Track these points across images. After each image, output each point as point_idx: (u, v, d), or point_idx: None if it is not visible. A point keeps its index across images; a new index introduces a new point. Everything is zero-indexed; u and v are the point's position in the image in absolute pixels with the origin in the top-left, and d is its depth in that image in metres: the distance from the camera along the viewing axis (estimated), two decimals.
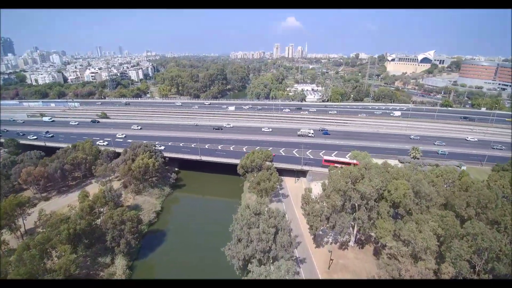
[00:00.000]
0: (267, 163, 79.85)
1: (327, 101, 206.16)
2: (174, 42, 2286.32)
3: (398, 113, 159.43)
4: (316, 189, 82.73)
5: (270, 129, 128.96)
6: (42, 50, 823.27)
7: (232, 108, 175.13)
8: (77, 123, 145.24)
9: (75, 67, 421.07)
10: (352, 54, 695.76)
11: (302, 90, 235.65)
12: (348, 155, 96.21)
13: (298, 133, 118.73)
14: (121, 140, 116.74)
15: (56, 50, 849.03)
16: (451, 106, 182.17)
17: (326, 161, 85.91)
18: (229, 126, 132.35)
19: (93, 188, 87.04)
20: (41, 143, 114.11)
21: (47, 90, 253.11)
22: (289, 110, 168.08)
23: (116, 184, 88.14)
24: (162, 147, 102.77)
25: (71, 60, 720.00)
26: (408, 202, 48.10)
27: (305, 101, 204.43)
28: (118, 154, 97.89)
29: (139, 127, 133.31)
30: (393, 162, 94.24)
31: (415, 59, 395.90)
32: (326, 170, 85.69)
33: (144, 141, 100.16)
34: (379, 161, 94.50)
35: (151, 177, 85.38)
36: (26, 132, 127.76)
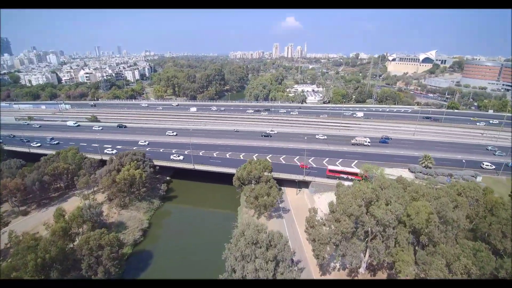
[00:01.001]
0: (266, 173, 72.24)
1: (328, 102, 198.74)
2: (173, 42, 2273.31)
3: (360, 114, 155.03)
4: (320, 202, 75.32)
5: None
6: (38, 50, 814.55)
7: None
8: (101, 128, 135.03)
9: (70, 67, 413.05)
10: (351, 54, 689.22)
11: (302, 91, 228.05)
12: (353, 164, 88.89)
13: (352, 141, 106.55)
14: (144, 147, 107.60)
15: (54, 50, 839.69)
16: (457, 108, 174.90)
17: (330, 171, 78.43)
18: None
19: (75, 202, 79.45)
20: (27, 150, 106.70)
21: (39, 91, 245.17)
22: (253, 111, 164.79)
23: (100, 197, 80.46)
24: (181, 157, 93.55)
25: (69, 60, 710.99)
26: (432, 229, 40.57)
27: (305, 102, 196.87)
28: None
29: (174, 133, 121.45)
30: (402, 171, 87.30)
31: (417, 59, 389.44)
32: (330, 181, 78.42)
33: (135, 148, 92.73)
34: (388, 170, 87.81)
35: (138, 190, 77.61)
36: (39, 138, 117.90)
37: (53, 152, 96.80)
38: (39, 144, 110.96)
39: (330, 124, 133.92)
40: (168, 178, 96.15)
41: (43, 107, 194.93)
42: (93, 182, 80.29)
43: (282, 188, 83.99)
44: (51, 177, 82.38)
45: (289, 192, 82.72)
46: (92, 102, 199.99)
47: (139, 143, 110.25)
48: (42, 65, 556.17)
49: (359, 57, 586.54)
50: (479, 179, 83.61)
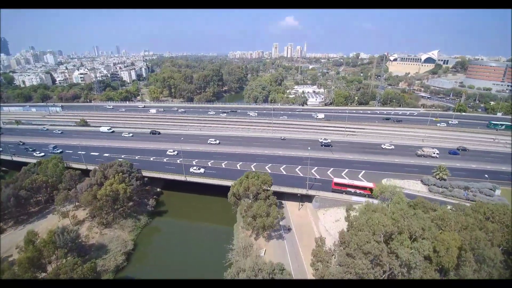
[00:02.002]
0: (265, 186, 64.63)
1: (330, 104, 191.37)
2: (172, 42, 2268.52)
3: (321, 115, 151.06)
4: (325, 219, 67.80)
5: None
6: (35, 50, 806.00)
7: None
8: (131, 134, 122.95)
9: (66, 68, 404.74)
10: (351, 54, 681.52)
11: (303, 92, 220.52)
12: (361, 174, 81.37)
13: (418, 153, 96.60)
14: (173, 157, 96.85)
15: (53, 49, 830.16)
16: (465, 111, 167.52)
17: (336, 184, 70.91)
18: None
19: (54, 219, 71.83)
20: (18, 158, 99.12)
21: (31, 92, 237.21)
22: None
23: (82, 213, 72.83)
24: (202, 170, 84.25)
25: (66, 60, 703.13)
26: (466, 270, 33.09)
27: (306, 104, 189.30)
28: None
29: (216, 141, 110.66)
30: (415, 183, 79.83)
31: (418, 59, 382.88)
32: (336, 195, 70.95)
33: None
34: (399, 182, 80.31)
35: (123, 206, 69.92)
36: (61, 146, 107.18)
37: (35, 161, 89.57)
38: (42, 154, 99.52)
39: (333, 129, 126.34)
40: (158, 189, 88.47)
41: (33, 109, 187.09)
42: (73, 197, 72.58)
43: (282, 202, 76.95)
44: (29, 191, 74.77)
45: (291, 207, 75.17)
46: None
47: (168, 152, 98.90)
48: (39, 65, 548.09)
49: (359, 57, 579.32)
50: (497, 192, 76.19)
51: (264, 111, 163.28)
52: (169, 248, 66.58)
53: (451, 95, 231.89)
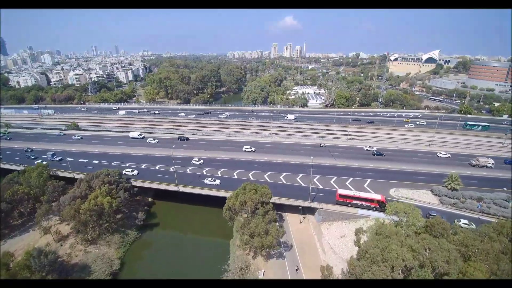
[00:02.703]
0: (264, 199, 59.08)
1: (331, 106, 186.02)
2: (172, 41, 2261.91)
3: (291, 117, 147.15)
4: (329, 235, 62.29)
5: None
6: (35, 50, 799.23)
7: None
8: (156, 141, 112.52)
9: (62, 68, 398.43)
10: (351, 53, 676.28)
11: (303, 93, 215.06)
12: (366, 184, 75.95)
13: (473, 162, 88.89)
14: (199, 166, 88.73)
15: (51, 49, 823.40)
16: (470, 113, 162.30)
17: (341, 196, 65.44)
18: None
19: (37, 234, 66.27)
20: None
21: (24, 94, 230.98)
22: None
23: (66, 228, 67.21)
24: (218, 181, 76.40)
25: (64, 60, 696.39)
26: None
27: (306, 106, 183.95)
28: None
29: (252, 149, 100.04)
30: (425, 193, 74.38)
31: (419, 59, 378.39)
32: (341, 208, 65.51)
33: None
34: (408, 193, 74.95)
35: (108, 221, 64.26)
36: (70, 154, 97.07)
37: (19, 168, 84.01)
38: (44, 163, 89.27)
39: (335, 133, 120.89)
40: (150, 199, 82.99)
41: (25, 111, 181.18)
42: (56, 210, 66.99)
43: (282, 214, 71.62)
44: (10, 203, 69.16)
45: (292, 220, 69.74)
46: (79, 106, 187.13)
47: (193, 161, 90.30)
48: (36, 65, 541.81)
49: (359, 57, 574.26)
50: None
51: (263, 113, 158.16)
52: (158, 267, 60.90)
53: (454, 96, 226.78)
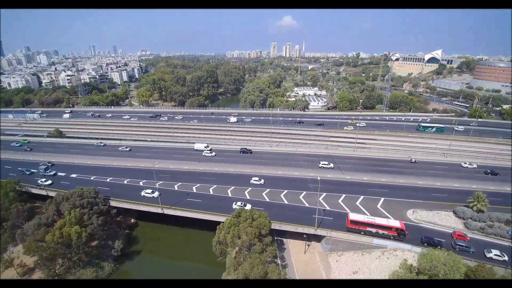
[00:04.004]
0: (263, 231, 49.21)
1: (333, 108, 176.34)
2: (171, 41, 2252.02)
3: (234, 119, 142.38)
4: (340, 269, 52.39)
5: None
6: (32, 50, 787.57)
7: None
8: (214, 153, 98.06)
9: (55, 69, 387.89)
10: (351, 53, 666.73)
11: (304, 95, 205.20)
12: (379, 203, 66.14)
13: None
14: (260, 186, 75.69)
15: (49, 49, 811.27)
16: (481, 117, 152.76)
17: (353, 222, 55.65)
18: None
19: None
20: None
21: (13, 96, 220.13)
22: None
23: (32, 259, 57.14)
24: (249, 206, 62.94)
25: (61, 60, 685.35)
26: None
27: (307, 109, 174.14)
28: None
29: (330, 165, 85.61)
30: (447, 215, 64.63)
31: (421, 59, 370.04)
32: (353, 237, 55.73)
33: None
34: (428, 215, 65.27)
35: (79, 253, 54.20)
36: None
37: None
38: (49, 182, 77.07)
39: (340, 140, 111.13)
40: (133, 220, 72.99)
41: (10, 116, 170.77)
42: (19, 240, 56.95)
43: (283, 240, 61.84)
44: None
45: (294, 248, 59.90)
46: (68, 110, 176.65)
47: (252, 181, 76.39)
48: (30, 65, 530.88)
49: (359, 57, 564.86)
50: None
51: (262, 117, 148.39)
52: None
53: (460, 98, 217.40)
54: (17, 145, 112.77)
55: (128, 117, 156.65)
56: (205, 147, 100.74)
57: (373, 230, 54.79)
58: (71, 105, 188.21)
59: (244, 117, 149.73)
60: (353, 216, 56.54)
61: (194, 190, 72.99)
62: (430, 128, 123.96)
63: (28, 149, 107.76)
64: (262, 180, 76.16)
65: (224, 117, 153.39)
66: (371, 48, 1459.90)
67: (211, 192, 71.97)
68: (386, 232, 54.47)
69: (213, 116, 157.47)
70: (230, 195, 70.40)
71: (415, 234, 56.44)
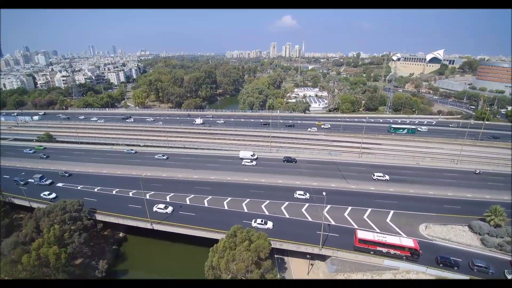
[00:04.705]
0: (261, 253, 43.96)
1: (335, 110, 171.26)
2: (170, 41, 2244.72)
3: (199, 121, 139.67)
4: None
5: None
6: (26, 51, 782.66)
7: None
8: (254, 163, 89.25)
9: (52, 69, 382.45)
10: (351, 53, 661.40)
11: (304, 96, 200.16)
12: (389, 217, 60.92)
13: None
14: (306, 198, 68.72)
15: (47, 50, 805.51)
16: (488, 119, 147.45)
17: (361, 241, 50.41)
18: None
19: None
20: None
21: (7, 98, 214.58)
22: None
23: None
24: (269, 225, 57.96)
25: (59, 60, 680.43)
26: None
27: (308, 111, 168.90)
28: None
29: (385, 177, 77.66)
30: (462, 230, 59.50)
31: (423, 59, 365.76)
32: (361, 257, 50.42)
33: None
34: (441, 230, 60.03)
35: (58, 275, 48.83)
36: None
37: None
38: (53, 195, 69.91)
39: (344, 144, 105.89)
40: (121, 234, 67.65)
41: (2, 118, 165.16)
42: None
43: (285, 258, 56.58)
44: None
45: (297, 267, 54.50)
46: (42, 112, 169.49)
47: (297, 195, 68.89)
48: (28, 66, 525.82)
49: (360, 57, 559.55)
50: None
51: (261, 120, 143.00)
52: None
53: (464, 99, 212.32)
54: (31, 151, 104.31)
55: (95, 118, 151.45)
56: (251, 155, 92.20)
57: (384, 249, 49.56)
58: (64, 107, 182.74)
59: (216, 119, 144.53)
60: (361, 234, 51.23)
61: (187, 201, 67.66)
62: (401, 130, 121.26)
63: (44, 156, 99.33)
64: (308, 195, 68.34)
65: (211, 119, 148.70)
66: (371, 48, 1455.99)
67: (206, 205, 66.54)
68: (398, 252, 49.26)
69: (188, 118, 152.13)
70: (226, 207, 65.03)
71: (429, 253, 51.27)
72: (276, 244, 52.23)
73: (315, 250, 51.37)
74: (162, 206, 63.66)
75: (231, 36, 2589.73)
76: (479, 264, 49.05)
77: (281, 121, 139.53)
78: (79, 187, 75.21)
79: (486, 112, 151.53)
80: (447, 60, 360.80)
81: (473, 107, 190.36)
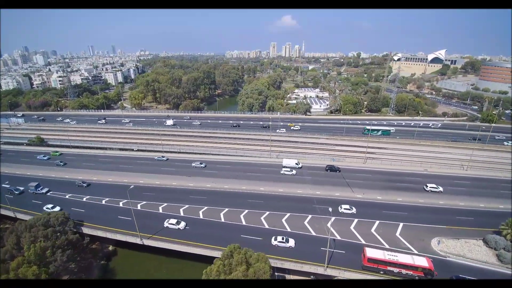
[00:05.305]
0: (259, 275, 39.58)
1: (337, 111, 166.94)
2: (170, 41, 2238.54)
3: (170, 122, 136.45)
4: None
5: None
6: (24, 50, 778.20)
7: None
8: (294, 172, 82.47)
9: (49, 70, 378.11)
10: (351, 53, 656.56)
11: (305, 97, 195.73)
12: (398, 231, 56.56)
13: None
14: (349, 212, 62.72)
15: (46, 49, 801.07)
16: (494, 121, 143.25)
17: (371, 260, 46.06)
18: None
19: None
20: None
21: (1, 99, 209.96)
22: None
23: None
24: (291, 243, 52.98)
25: (58, 60, 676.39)
26: None
27: (309, 112, 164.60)
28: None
29: (439, 189, 72.19)
30: (476, 245, 55.11)
31: (424, 59, 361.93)
32: (371, 277, 46.07)
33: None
34: (453, 244, 55.74)
35: None
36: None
37: None
38: (58, 208, 63.98)
39: (347, 148, 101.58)
40: (111, 248, 63.21)
41: None
42: None
43: (286, 276, 52.20)
44: None
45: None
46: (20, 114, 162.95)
47: (342, 209, 62.67)
48: (26, 66, 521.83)
49: (360, 57, 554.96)
50: None
51: (261, 122, 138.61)
52: None
53: (468, 100, 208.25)
54: (45, 158, 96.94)
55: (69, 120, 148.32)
56: (295, 163, 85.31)
57: (395, 269, 45.20)
58: (58, 109, 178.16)
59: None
60: (371, 252, 46.82)
61: (181, 213, 63.25)
62: (376, 131, 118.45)
63: (61, 163, 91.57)
64: (354, 209, 62.57)
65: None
66: (371, 48, 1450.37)
67: (201, 216, 62.08)
68: (410, 272, 44.90)
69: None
70: (222, 220, 60.54)
71: (443, 272, 46.85)
72: (277, 263, 47.85)
73: (319, 270, 46.98)
74: (174, 221, 58.36)
75: (231, 36, 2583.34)
76: None
77: (281, 123, 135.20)
78: (84, 199, 69.99)
79: (494, 114, 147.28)
80: (449, 60, 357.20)
81: (475, 107, 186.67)
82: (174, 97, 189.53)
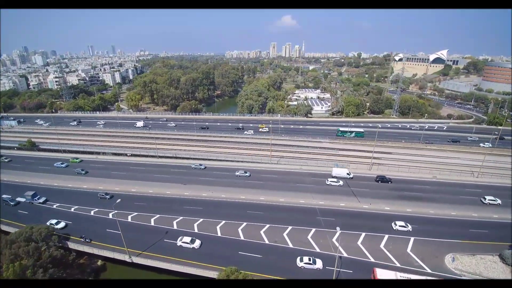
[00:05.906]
0: None
1: (339, 113, 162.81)
2: (170, 41, 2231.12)
3: (140, 124, 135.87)
4: None
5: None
6: (23, 51, 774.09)
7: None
8: (340, 183, 75.87)
9: (46, 70, 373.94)
10: (351, 53, 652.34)
11: (306, 98, 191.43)
12: (409, 246, 52.37)
13: None
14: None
15: (46, 49, 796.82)
16: (500, 124, 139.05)
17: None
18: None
19: None
20: None
21: None
22: None
23: None
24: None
25: (57, 60, 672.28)
26: None
27: (310, 114, 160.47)
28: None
29: (497, 201, 67.01)
30: (492, 262, 50.77)
31: (426, 59, 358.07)
32: None
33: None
34: (468, 262, 51.63)
35: None
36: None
37: None
38: (63, 224, 59.93)
39: (351, 153, 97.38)
40: (99, 263, 58.97)
41: None
42: None
43: None
44: None
45: None
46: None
47: (398, 227, 56.84)
48: (24, 66, 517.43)
49: (361, 57, 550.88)
50: None
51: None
52: None
53: (472, 101, 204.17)
54: (62, 165, 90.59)
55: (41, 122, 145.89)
56: (347, 173, 79.54)
57: None
58: (53, 110, 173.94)
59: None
60: (381, 273, 42.63)
61: (174, 226, 59.05)
62: (349, 133, 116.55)
63: (83, 172, 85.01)
64: (410, 227, 56.93)
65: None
66: (372, 48, 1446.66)
67: (196, 230, 57.87)
68: None
69: (160, 122, 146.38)
70: (219, 234, 56.34)
71: None
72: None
73: None
74: (188, 239, 53.08)
75: (230, 36, 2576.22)
76: None
77: (282, 125, 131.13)
78: (92, 213, 65.16)
79: (502, 117, 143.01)
80: (451, 61, 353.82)
81: (478, 108, 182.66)
82: (172, 99, 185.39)
